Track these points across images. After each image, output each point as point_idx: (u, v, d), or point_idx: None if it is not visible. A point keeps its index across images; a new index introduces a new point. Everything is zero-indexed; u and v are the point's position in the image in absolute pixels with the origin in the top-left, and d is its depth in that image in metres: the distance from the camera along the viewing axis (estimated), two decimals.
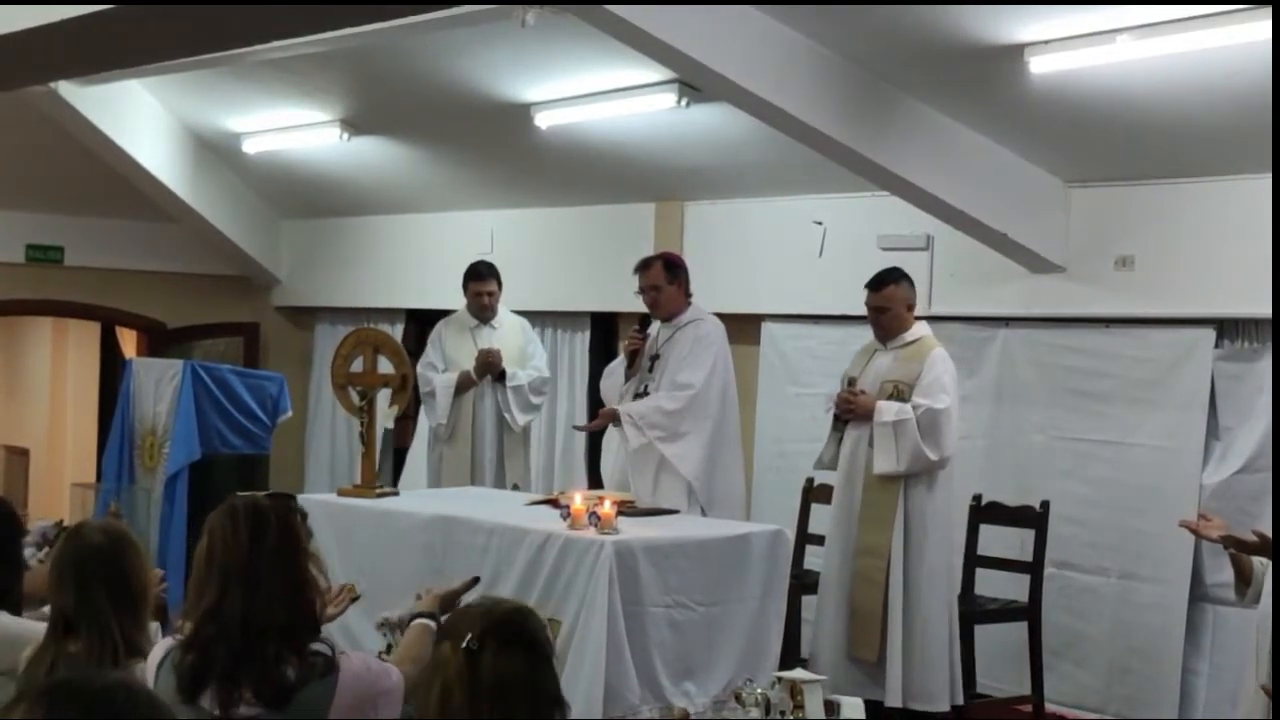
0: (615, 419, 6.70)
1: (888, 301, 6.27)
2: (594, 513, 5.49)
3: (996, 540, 6.62)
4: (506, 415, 7.65)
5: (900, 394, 6.13)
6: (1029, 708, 6.50)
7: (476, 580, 3.92)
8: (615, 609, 5.25)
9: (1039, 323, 6.95)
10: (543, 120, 7.65)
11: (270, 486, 8.02)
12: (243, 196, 10.33)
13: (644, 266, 6.84)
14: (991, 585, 6.60)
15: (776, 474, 7.74)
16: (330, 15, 5.31)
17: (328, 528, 5.98)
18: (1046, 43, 5.66)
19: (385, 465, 9.37)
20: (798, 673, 5.09)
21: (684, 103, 7.01)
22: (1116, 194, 6.63)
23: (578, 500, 5.63)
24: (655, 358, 6.74)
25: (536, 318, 8.34)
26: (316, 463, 10.56)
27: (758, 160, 7.47)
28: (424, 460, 8.37)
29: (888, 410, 6.07)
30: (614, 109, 7.37)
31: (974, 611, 6.42)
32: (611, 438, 7.19)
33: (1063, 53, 5.66)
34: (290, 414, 8.79)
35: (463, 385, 7.62)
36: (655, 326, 6.83)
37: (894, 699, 6.03)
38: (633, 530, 5.54)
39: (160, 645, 3.10)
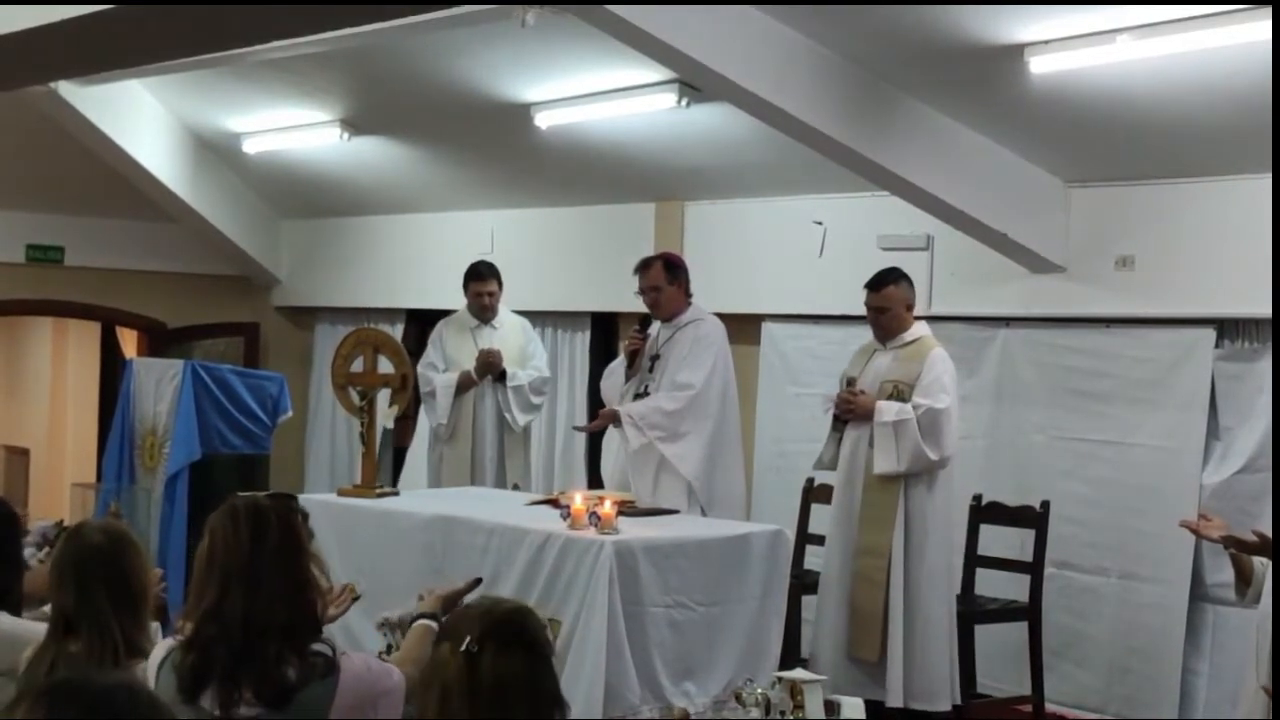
0: (615, 419, 6.70)
1: (887, 301, 6.27)
2: (594, 513, 5.49)
3: (997, 540, 6.62)
4: (507, 415, 7.65)
5: (900, 394, 6.13)
6: (1029, 708, 6.50)
7: (479, 581, 3.92)
8: (615, 609, 5.25)
9: (1039, 323, 6.95)
10: (543, 120, 7.65)
11: (270, 486, 8.02)
12: (243, 196, 10.33)
13: (644, 267, 6.83)
14: (992, 585, 6.60)
15: (776, 474, 7.74)
16: (330, 15, 5.31)
17: (328, 528, 5.97)
18: (1046, 43, 5.66)
19: (385, 465, 9.37)
20: (798, 673, 5.08)
21: (684, 103, 7.01)
22: (1116, 194, 6.63)
23: (578, 500, 5.63)
24: (655, 358, 6.74)
25: (537, 318, 8.34)
26: (316, 463, 10.56)
27: (758, 160, 7.47)
28: (424, 460, 8.37)
29: (888, 410, 6.07)
30: (614, 109, 7.37)
31: (974, 611, 6.42)
32: (612, 438, 7.19)
33: (1063, 53, 5.66)
34: (290, 414, 8.79)
35: (463, 385, 7.62)
36: (655, 327, 6.83)
37: (895, 699, 6.03)
38: (633, 530, 5.54)
39: (161, 645, 3.10)
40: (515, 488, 7.53)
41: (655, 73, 6.83)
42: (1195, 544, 6.23)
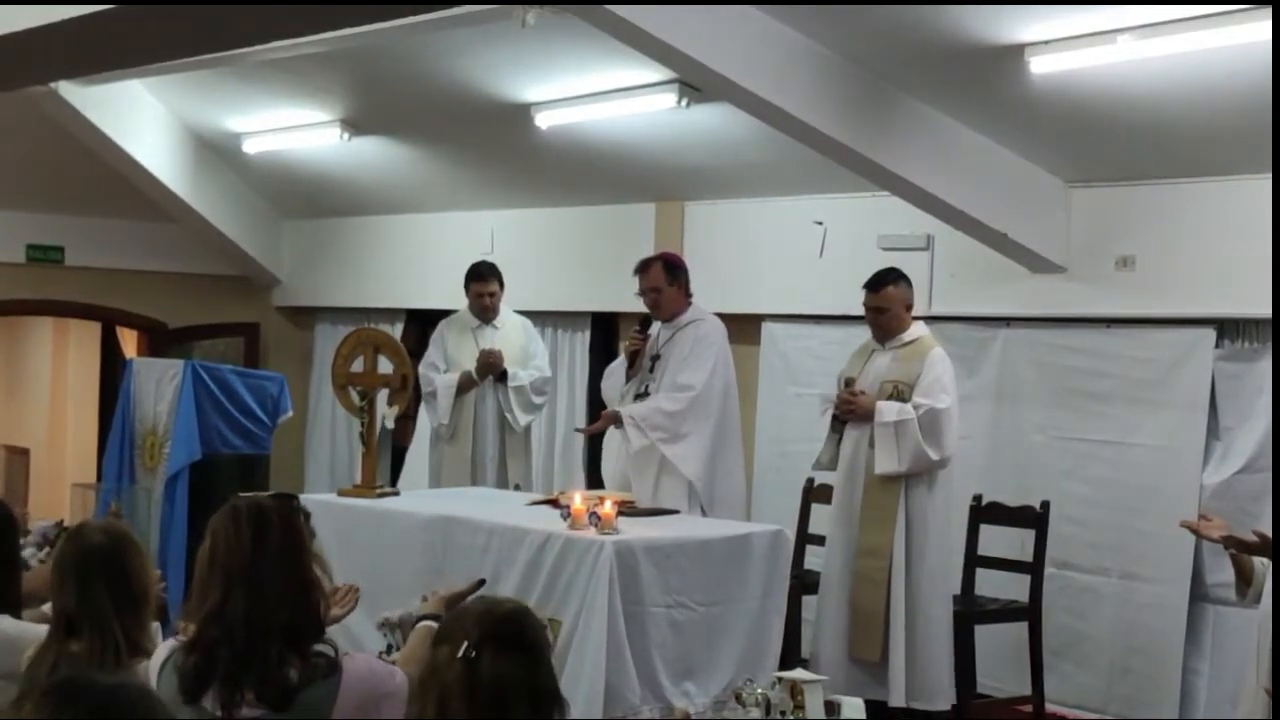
0: (617, 421, 6.70)
1: (886, 302, 6.27)
2: (594, 513, 5.49)
3: (997, 540, 6.62)
4: (508, 415, 7.65)
5: (900, 394, 6.13)
6: (1029, 708, 6.50)
7: (482, 582, 3.92)
8: (616, 609, 5.25)
9: (1039, 323, 6.95)
10: (543, 120, 7.65)
11: (270, 487, 8.01)
12: (243, 196, 10.33)
13: (644, 268, 6.84)
14: (992, 585, 6.60)
15: (777, 474, 7.74)
16: (330, 15, 5.31)
17: (328, 528, 5.94)
18: (1047, 43, 5.66)
19: (384, 465, 9.37)
20: (798, 673, 5.09)
21: (684, 103, 7.01)
22: (1117, 194, 6.63)
23: (578, 500, 5.63)
24: (656, 358, 6.74)
25: (537, 318, 8.34)
26: (316, 463, 10.56)
27: (758, 160, 7.47)
28: (424, 460, 8.37)
29: (888, 410, 6.07)
30: (614, 109, 7.37)
31: (974, 611, 6.43)
32: (612, 439, 7.19)
33: (1063, 53, 5.66)
34: (291, 414, 8.78)
35: (464, 385, 7.62)
36: (656, 327, 6.83)
37: (898, 698, 6.03)
38: (633, 530, 5.54)
39: (163, 646, 3.09)
40: (517, 488, 7.53)
41: (655, 73, 6.83)
42: (1195, 544, 6.23)
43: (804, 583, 6.60)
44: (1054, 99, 6.01)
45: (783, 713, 4.84)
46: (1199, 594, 6.38)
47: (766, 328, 8.00)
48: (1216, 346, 6.36)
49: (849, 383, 6.27)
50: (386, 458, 9.53)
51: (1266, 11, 5.02)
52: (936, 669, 6.10)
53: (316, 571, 3.11)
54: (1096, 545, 6.70)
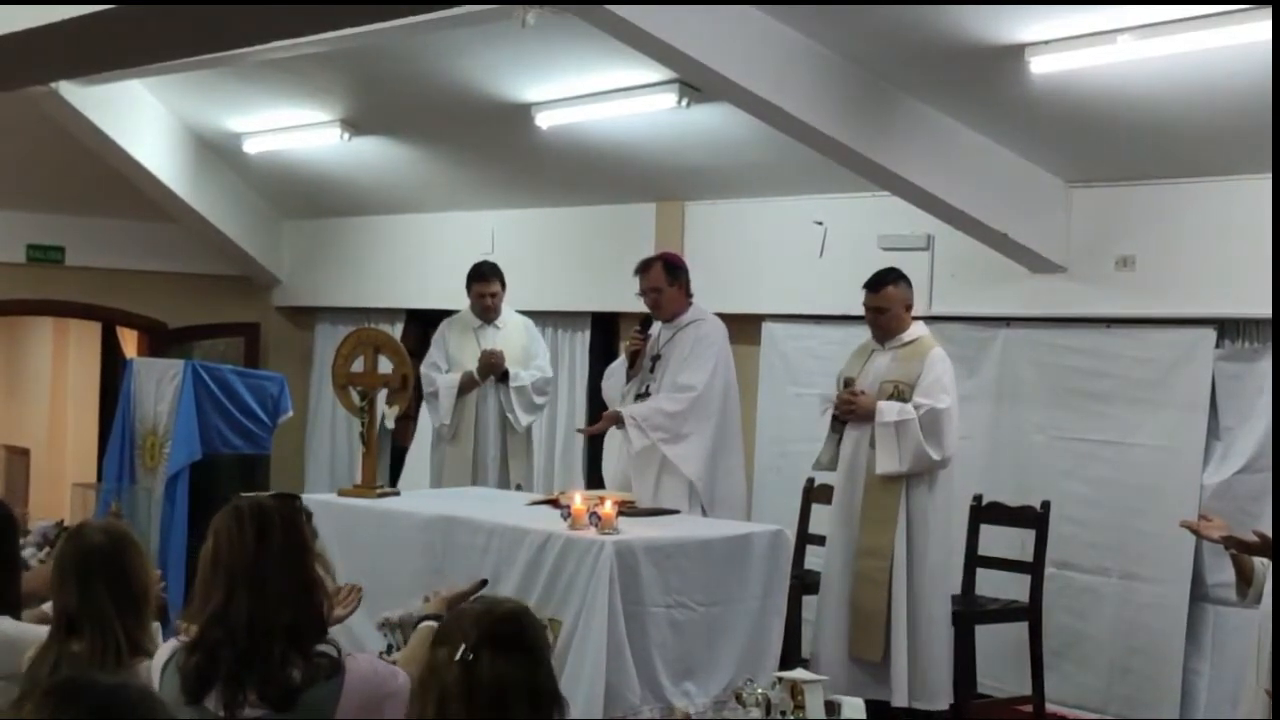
0: (618, 421, 6.70)
1: (886, 302, 6.27)
2: (594, 513, 5.49)
3: (997, 540, 6.62)
4: (509, 416, 7.65)
5: (900, 394, 6.13)
6: (1029, 708, 6.50)
7: (485, 583, 3.92)
8: (616, 609, 5.25)
9: (1040, 323, 6.95)
10: (543, 120, 7.65)
11: (271, 487, 8.02)
12: (243, 196, 10.33)
13: (644, 268, 6.84)
14: (992, 585, 6.60)
15: (777, 474, 7.74)
16: (330, 15, 5.31)
17: (328, 528, 5.93)
18: (1047, 43, 5.66)
19: (384, 465, 9.37)
20: (798, 673, 5.09)
21: (684, 103, 7.01)
22: (1117, 194, 6.63)
23: (578, 500, 5.63)
24: (656, 358, 6.74)
25: (537, 318, 8.34)
26: (316, 463, 10.56)
27: (758, 160, 7.47)
28: (424, 460, 8.37)
29: (889, 410, 6.07)
30: (614, 109, 7.37)
31: (974, 611, 6.43)
32: (613, 439, 7.19)
33: (1063, 53, 5.66)
34: (291, 414, 8.78)
35: (466, 386, 7.62)
36: (657, 327, 6.84)
37: (900, 698, 6.03)
38: (633, 530, 5.54)
39: (165, 647, 3.09)
40: (518, 488, 7.54)
41: (655, 73, 6.83)
42: (1196, 544, 6.23)
43: (804, 583, 6.59)
44: (1054, 99, 6.01)
45: (783, 713, 4.84)
46: (1199, 594, 6.38)
47: (766, 328, 8.00)
48: (1217, 346, 6.36)
49: (849, 383, 6.27)
50: (386, 458, 9.53)
51: (1266, 11, 5.02)
52: (937, 669, 6.11)
53: (319, 572, 3.10)
54: (1097, 545, 6.70)
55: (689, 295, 6.82)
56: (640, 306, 6.94)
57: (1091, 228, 6.68)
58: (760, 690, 4.94)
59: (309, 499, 5.97)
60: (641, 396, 6.70)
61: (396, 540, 6.03)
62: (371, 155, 9.05)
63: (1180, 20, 5.31)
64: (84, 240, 10.30)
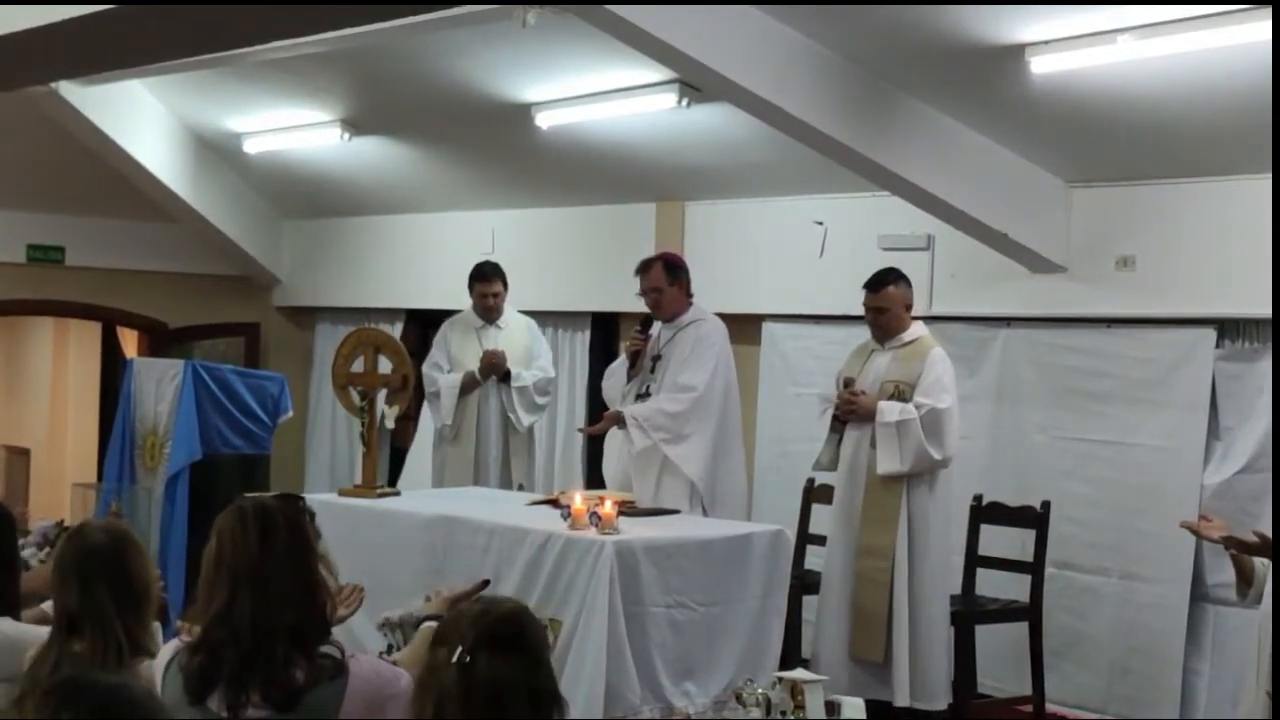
0: (619, 421, 6.70)
1: (886, 302, 6.28)
2: (595, 513, 5.49)
3: (997, 540, 6.62)
4: (511, 416, 7.65)
5: (901, 394, 6.13)
6: (1030, 708, 6.50)
7: (487, 583, 3.91)
8: (616, 609, 5.25)
9: (1040, 323, 6.95)
10: (543, 120, 7.65)
11: (271, 486, 8.02)
12: (244, 196, 10.33)
13: (644, 269, 6.83)
14: (992, 585, 6.60)
15: (777, 474, 7.74)
16: (331, 15, 5.31)
17: (328, 528, 5.91)
18: (1047, 43, 5.66)
19: (383, 465, 9.37)
20: (798, 673, 5.08)
21: (684, 103, 7.01)
22: (1117, 194, 6.63)
23: (578, 500, 5.63)
24: (657, 358, 6.74)
25: (537, 318, 8.33)
26: (316, 463, 10.56)
27: (758, 160, 7.47)
28: (424, 461, 8.37)
29: (890, 410, 6.07)
30: (614, 109, 7.37)
31: (975, 611, 6.43)
32: (614, 439, 7.19)
33: (1063, 53, 5.66)
34: (291, 414, 8.78)
35: (467, 386, 7.63)
36: (657, 327, 6.84)
37: (902, 698, 6.04)
38: (633, 530, 5.54)
39: (168, 647, 3.08)
40: (520, 488, 7.54)
41: (655, 73, 6.83)
42: (1196, 544, 6.23)
43: (804, 583, 6.60)
44: (1054, 99, 6.01)
45: (783, 713, 4.84)
46: (1199, 594, 6.38)
47: (766, 328, 8.00)
48: (1217, 346, 6.36)
49: (848, 383, 6.27)
50: (384, 458, 9.53)
51: (1266, 11, 5.02)
52: (937, 669, 6.11)
53: (323, 572, 3.10)
54: (1097, 545, 6.70)
55: (689, 295, 6.82)
56: (640, 306, 6.94)
57: (1091, 228, 6.68)
58: (760, 690, 4.94)
59: (310, 499, 5.99)
60: (642, 397, 6.70)
61: (397, 540, 6.03)
62: (371, 155, 9.05)
63: (1180, 20, 5.31)
64: (84, 240, 10.29)
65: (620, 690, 5.26)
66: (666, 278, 6.76)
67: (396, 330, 9.58)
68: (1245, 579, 4.55)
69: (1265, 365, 6.15)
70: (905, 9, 5.61)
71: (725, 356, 6.70)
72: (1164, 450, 6.49)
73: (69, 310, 10.92)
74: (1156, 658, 6.47)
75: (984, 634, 6.50)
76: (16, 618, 3.74)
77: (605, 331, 8.87)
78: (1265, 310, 5.87)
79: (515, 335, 7.83)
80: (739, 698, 4.97)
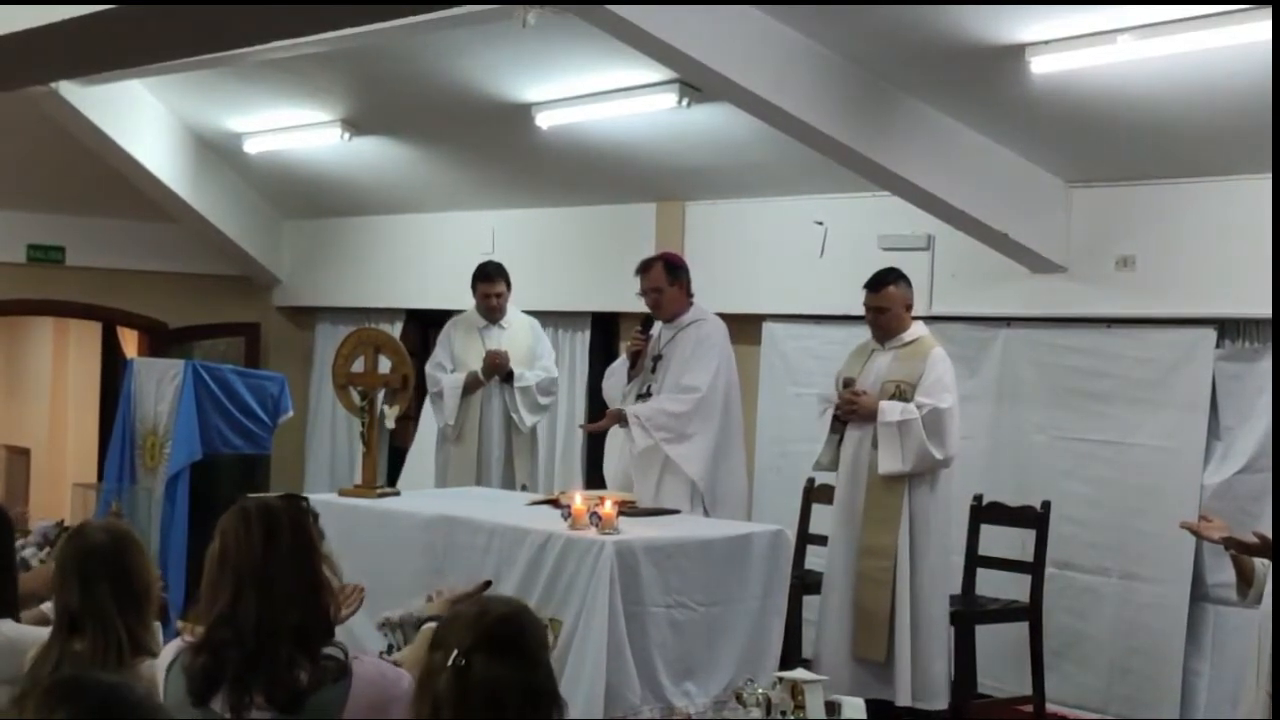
0: (621, 419, 6.70)
1: (887, 302, 6.28)
2: (595, 513, 5.49)
3: (997, 540, 6.62)
4: (514, 416, 7.66)
5: (902, 394, 6.14)
6: (1030, 708, 6.50)
7: (488, 584, 3.91)
8: (616, 609, 5.25)
9: (1040, 323, 6.95)
10: (543, 120, 7.65)
11: (271, 486, 8.02)
12: (244, 196, 10.33)
13: (645, 269, 6.84)
14: (992, 585, 6.60)
15: (777, 474, 7.74)
16: (331, 15, 5.31)
17: (329, 528, 5.92)
18: (1047, 43, 5.66)
19: (383, 465, 9.37)
20: (799, 673, 5.08)
21: (685, 103, 7.01)
22: (1117, 194, 6.63)
23: (578, 500, 5.63)
24: (658, 358, 6.74)
25: (537, 318, 8.34)
26: (316, 463, 10.56)
27: (758, 160, 7.47)
28: (424, 461, 8.37)
29: (891, 410, 6.07)
30: (615, 109, 7.37)
31: (975, 611, 6.43)
32: (615, 438, 7.20)
33: (1063, 53, 5.66)
34: (291, 414, 8.79)
35: (470, 386, 7.63)
36: (658, 327, 6.84)
37: (904, 698, 6.04)
38: (634, 530, 5.55)
39: (171, 647, 3.07)
40: (523, 488, 7.54)
41: (656, 73, 6.83)
42: (1196, 544, 6.23)
43: (805, 583, 6.60)
44: (1054, 99, 6.01)
45: (783, 713, 4.84)
46: (1199, 594, 6.38)
47: (766, 328, 8.00)
48: (1217, 346, 6.36)
49: (848, 383, 6.27)
50: (385, 459, 9.52)
51: (1266, 11, 5.02)
52: (937, 668, 6.11)
53: (326, 573, 3.09)
54: (1097, 545, 6.70)
55: (690, 295, 6.82)
56: (641, 306, 6.94)
57: (1091, 228, 6.68)
58: (760, 690, 4.94)
59: (310, 499, 5.99)
60: (642, 397, 6.70)
61: (397, 540, 6.03)
62: (371, 155, 9.05)
63: (1180, 20, 5.31)
64: (84, 240, 10.30)
65: (620, 690, 5.26)
66: (667, 278, 6.76)
67: (396, 330, 9.58)
68: (1245, 579, 4.55)
69: (1265, 365, 6.15)
70: (905, 9, 5.61)
71: (727, 357, 6.70)
72: (1164, 450, 6.49)
73: (69, 310, 10.92)
74: (1156, 658, 6.47)
75: (984, 634, 6.50)
76: (16, 619, 3.73)
77: (605, 331, 8.87)
78: (1265, 310, 5.87)
79: (518, 335, 7.83)
80: (739, 698, 4.97)
